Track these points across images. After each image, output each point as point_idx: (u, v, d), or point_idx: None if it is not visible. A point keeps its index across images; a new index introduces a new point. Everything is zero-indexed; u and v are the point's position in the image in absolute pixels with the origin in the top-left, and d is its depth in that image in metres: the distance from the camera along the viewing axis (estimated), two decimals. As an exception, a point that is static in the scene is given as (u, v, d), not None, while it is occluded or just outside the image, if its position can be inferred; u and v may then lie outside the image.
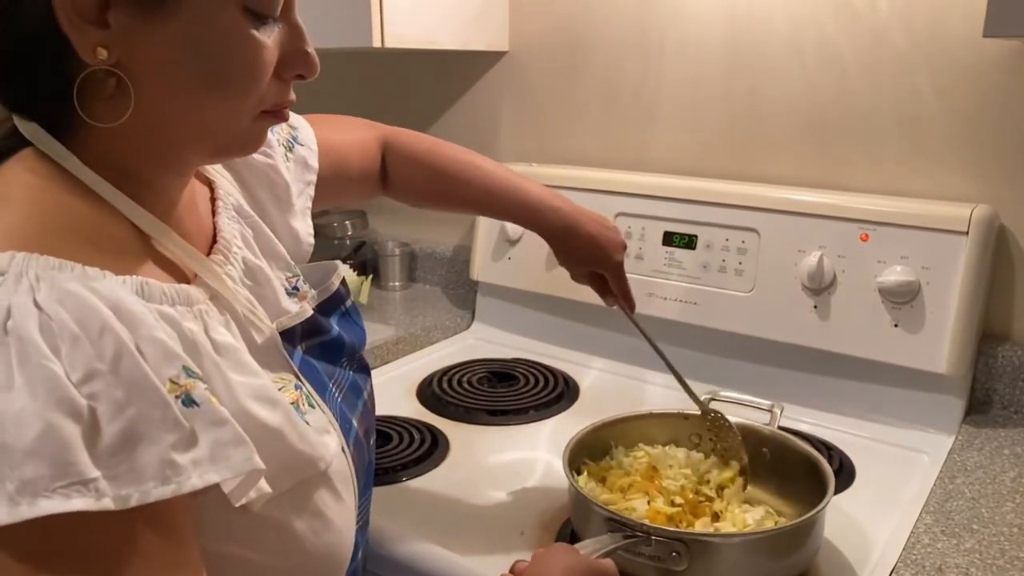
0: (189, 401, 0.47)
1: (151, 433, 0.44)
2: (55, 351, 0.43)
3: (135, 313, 0.46)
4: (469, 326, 1.51)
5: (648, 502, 0.84)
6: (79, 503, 0.41)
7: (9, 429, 0.41)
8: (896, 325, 1.08)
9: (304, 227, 0.77)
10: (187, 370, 0.48)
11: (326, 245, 1.68)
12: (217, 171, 0.69)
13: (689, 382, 1.23)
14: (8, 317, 0.43)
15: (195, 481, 0.45)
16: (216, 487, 0.48)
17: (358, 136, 0.90)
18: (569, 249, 0.94)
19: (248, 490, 0.50)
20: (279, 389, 0.59)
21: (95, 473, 0.42)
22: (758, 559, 0.75)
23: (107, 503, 0.42)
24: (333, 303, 0.72)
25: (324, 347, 0.68)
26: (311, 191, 0.79)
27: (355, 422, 0.67)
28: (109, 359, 0.44)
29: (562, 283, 1.37)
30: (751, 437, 0.92)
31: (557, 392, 1.23)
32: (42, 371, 0.42)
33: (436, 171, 0.93)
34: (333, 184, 0.83)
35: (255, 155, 0.73)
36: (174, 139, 0.54)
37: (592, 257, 0.93)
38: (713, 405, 0.96)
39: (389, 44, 1.26)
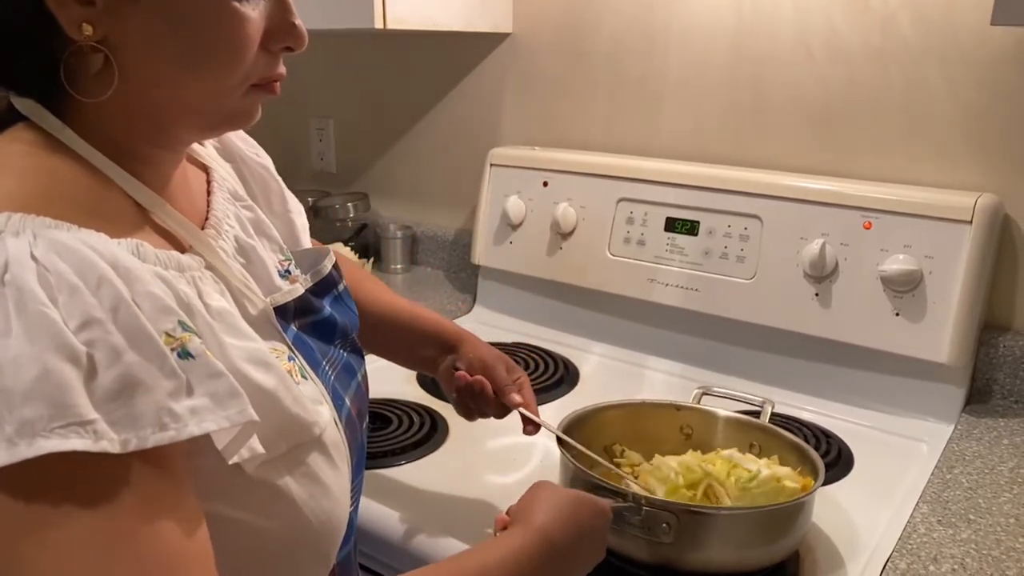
0: (185, 354, 0.47)
1: (148, 381, 0.45)
2: (53, 301, 0.43)
3: (132, 269, 0.47)
4: (470, 310, 1.51)
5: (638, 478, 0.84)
6: (78, 443, 0.41)
7: (7, 373, 0.41)
8: (898, 314, 1.08)
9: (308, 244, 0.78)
10: (182, 324, 0.48)
11: (328, 227, 1.68)
12: (215, 160, 0.69)
13: (688, 367, 1.25)
14: (5, 270, 0.43)
15: (192, 428, 0.46)
16: (213, 448, 0.49)
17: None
18: (487, 347, 0.91)
19: (241, 447, 0.50)
20: None
21: (93, 415, 0.42)
22: (747, 538, 0.75)
23: (105, 445, 0.42)
24: (326, 286, 0.72)
25: (317, 326, 0.68)
26: (307, 231, 0.79)
27: (348, 401, 0.67)
28: (107, 308, 0.44)
29: (564, 268, 1.38)
30: (740, 431, 0.92)
31: (557, 376, 1.23)
32: (40, 318, 0.42)
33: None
34: None
35: (252, 155, 0.74)
36: (163, 114, 0.55)
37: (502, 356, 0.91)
38: (705, 400, 0.96)
39: (391, 25, 1.25)
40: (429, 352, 0.90)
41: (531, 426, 0.85)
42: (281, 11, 0.56)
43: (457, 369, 0.87)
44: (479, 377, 0.85)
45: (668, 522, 0.72)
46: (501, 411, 0.86)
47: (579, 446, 0.85)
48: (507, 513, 0.68)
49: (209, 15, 0.52)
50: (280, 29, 0.56)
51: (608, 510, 0.70)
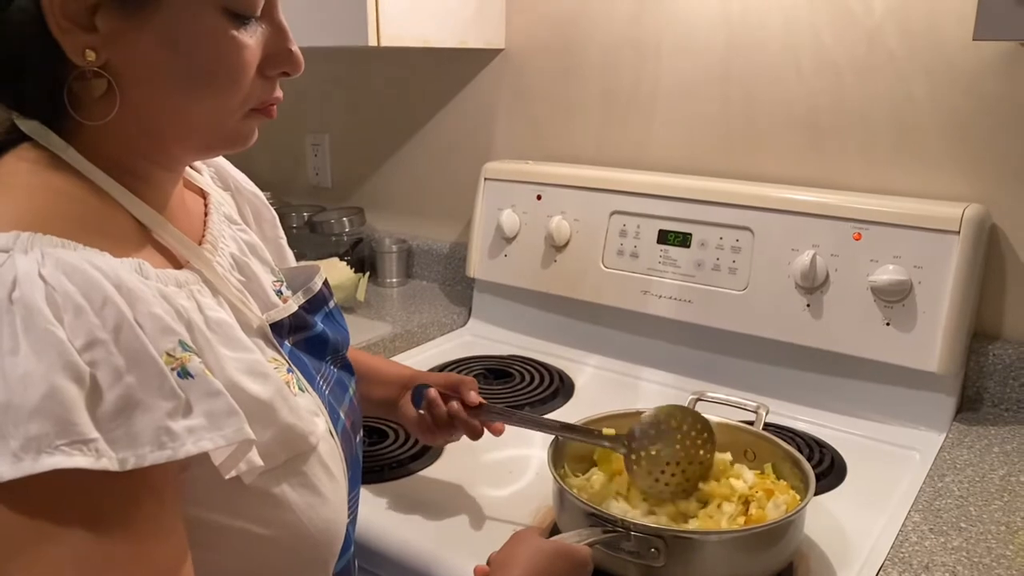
0: (184, 373, 0.49)
1: (148, 401, 0.46)
2: (59, 320, 0.44)
3: (134, 290, 0.48)
4: (465, 323, 1.52)
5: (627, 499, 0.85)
6: (81, 460, 0.43)
7: (15, 389, 0.42)
8: (888, 324, 1.09)
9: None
10: (183, 344, 0.50)
11: (323, 242, 1.69)
12: (212, 187, 0.71)
13: (682, 378, 1.26)
14: (14, 288, 0.44)
15: (189, 447, 0.47)
16: (211, 461, 0.50)
17: None
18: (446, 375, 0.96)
19: (238, 462, 0.52)
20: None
21: (95, 434, 0.44)
22: (737, 556, 0.76)
23: (106, 463, 0.44)
24: (317, 303, 0.74)
25: (310, 342, 0.70)
26: (294, 258, 0.84)
27: (342, 414, 0.69)
28: (110, 329, 0.46)
29: (558, 281, 1.39)
30: (734, 438, 0.92)
31: (552, 389, 1.24)
32: (47, 336, 0.44)
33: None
34: None
35: (248, 186, 0.77)
36: (162, 135, 0.56)
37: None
38: (700, 405, 0.96)
39: (385, 43, 1.27)
40: (390, 392, 0.94)
41: (496, 421, 0.90)
42: (278, 38, 0.57)
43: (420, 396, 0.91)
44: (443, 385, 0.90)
45: (657, 547, 0.73)
46: (467, 426, 0.90)
47: (576, 427, 0.88)
48: (487, 563, 0.69)
49: (208, 42, 0.53)
50: (277, 55, 0.57)
51: (588, 561, 0.71)
